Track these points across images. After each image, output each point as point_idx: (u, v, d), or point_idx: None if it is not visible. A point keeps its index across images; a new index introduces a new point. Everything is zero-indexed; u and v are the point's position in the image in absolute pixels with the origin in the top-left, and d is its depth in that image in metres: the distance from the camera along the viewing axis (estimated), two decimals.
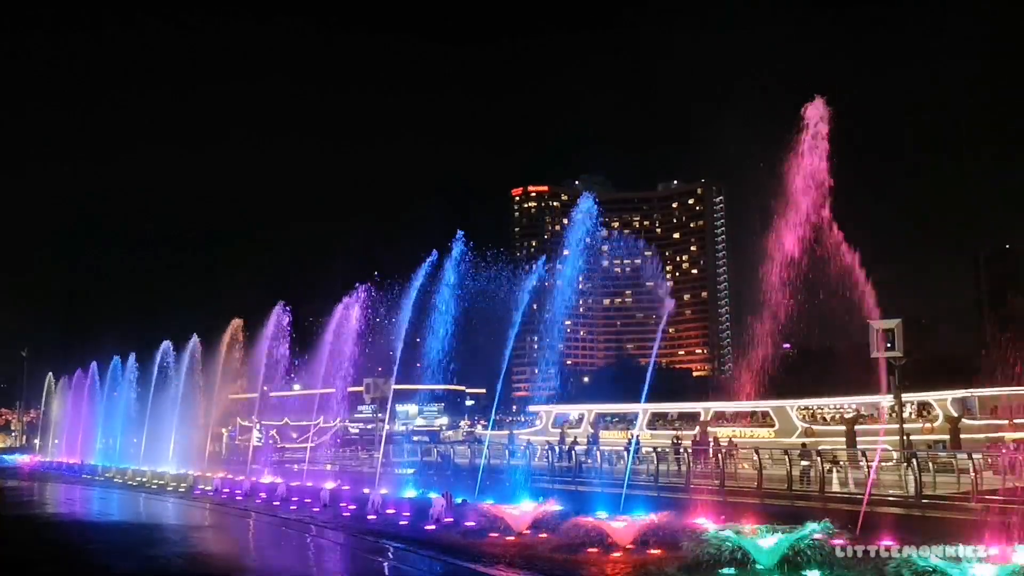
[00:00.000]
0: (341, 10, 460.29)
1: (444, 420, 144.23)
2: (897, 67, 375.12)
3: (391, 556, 30.64)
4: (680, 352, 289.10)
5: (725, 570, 23.39)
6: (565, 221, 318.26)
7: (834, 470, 39.09)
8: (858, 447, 41.60)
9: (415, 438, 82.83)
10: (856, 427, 46.91)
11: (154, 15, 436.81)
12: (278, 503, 48.02)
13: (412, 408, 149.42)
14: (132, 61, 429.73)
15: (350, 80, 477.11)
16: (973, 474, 31.36)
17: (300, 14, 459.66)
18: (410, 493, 42.19)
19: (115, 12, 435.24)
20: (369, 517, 39.33)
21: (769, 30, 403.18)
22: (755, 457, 39.15)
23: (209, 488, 57.40)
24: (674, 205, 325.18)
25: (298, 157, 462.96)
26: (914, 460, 33.96)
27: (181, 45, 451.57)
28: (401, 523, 36.86)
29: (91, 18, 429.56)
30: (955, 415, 47.36)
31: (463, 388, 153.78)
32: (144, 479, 69.33)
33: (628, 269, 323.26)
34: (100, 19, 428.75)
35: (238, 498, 52.26)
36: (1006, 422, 48.13)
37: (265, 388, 74.02)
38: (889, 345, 40.12)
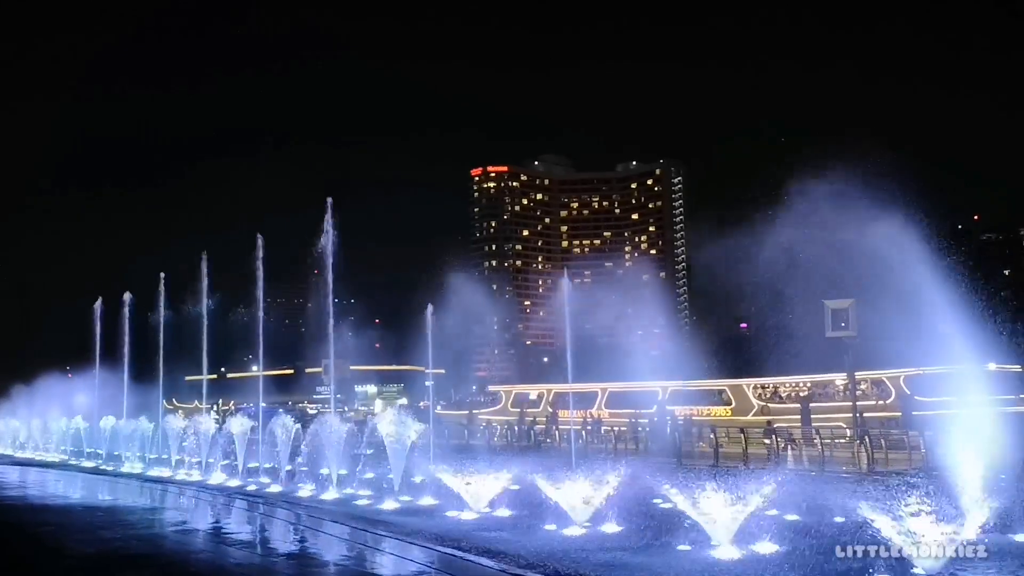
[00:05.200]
0: None
1: (404, 400, 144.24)
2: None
3: (347, 536, 30.44)
4: (639, 332, 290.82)
5: (681, 547, 23.54)
6: (525, 201, 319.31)
7: (789, 447, 39.64)
8: (812, 424, 42.19)
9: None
10: (811, 404, 47.62)
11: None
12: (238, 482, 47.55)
13: (371, 388, 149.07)
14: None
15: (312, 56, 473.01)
16: (923, 451, 31.98)
17: None
18: (369, 474, 41.99)
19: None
20: (325, 496, 39.08)
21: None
22: (711, 435, 39.60)
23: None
24: (633, 186, 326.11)
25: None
26: (867, 437, 34.56)
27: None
28: (357, 503, 36.68)
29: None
30: (908, 393, 48.16)
31: (422, 369, 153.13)
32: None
33: (588, 250, 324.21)
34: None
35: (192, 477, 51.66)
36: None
37: (223, 369, 73.25)
38: (843, 324, 40.70)
